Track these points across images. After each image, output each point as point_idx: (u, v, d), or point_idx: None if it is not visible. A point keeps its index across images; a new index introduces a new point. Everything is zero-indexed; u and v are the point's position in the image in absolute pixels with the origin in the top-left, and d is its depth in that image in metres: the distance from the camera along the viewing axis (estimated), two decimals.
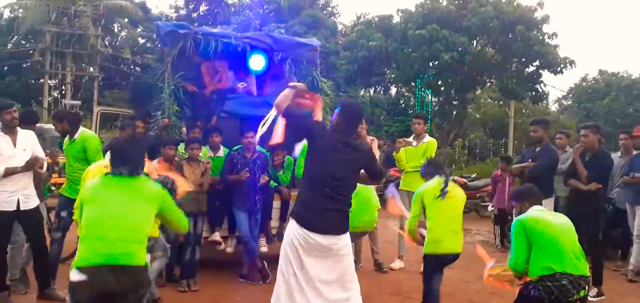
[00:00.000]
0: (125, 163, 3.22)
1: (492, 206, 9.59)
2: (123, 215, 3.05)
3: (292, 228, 3.65)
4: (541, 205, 4.04)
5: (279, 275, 3.68)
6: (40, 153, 5.09)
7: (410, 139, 7.04)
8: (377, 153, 7.19)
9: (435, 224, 4.49)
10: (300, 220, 3.61)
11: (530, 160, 6.41)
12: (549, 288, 3.61)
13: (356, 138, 4.16)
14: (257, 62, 7.15)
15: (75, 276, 2.94)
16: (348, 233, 3.74)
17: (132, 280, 3.00)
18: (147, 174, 3.58)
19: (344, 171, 3.67)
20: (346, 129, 3.79)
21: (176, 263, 6.13)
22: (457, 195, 4.64)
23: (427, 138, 7.08)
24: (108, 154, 4.31)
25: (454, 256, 4.58)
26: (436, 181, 4.57)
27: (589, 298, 5.86)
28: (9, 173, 4.80)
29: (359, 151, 3.78)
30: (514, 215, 4.11)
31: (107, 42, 28.60)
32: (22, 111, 5.61)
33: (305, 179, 3.80)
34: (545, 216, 3.88)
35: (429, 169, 4.78)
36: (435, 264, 4.56)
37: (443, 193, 4.47)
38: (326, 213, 3.59)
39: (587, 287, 3.75)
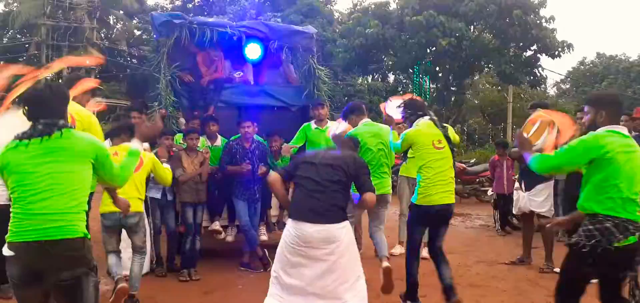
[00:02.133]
0: (44, 114, 2.72)
1: (492, 191, 9.60)
2: (51, 183, 2.62)
3: (287, 228, 3.78)
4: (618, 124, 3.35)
5: (273, 273, 3.81)
6: None
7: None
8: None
9: (426, 173, 4.35)
10: (293, 214, 3.75)
11: None
12: (590, 232, 3.10)
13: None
14: (253, 51, 7.11)
15: (5, 251, 2.67)
16: (344, 226, 3.72)
17: (65, 255, 2.63)
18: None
19: (329, 175, 3.77)
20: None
21: (177, 253, 6.15)
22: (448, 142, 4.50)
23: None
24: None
25: (445, 208, 4.41)
26: (428, 124, 4.45)
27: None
28: None
29: (346, 158, 3.93)
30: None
31: (102, 35, 28.45)
32: None
33: (297, 181, 3.89)
34: (624, 146, 3.18)
35: (410, 112, 4.60)
36: (421, 216, 4.45)
37: (449, 143, 4.41)
38: (317, 206, 3.66)
39: (637, 234, 3.12)
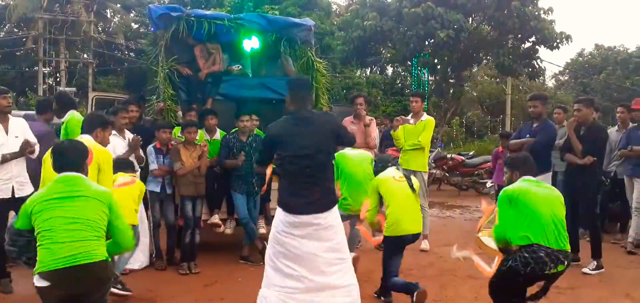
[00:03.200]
0: (69, 165, 3.20)
1: (492, 183, 9.60)
2: (77, 214, 3.02)
3: (279, 214, 3.81)
4: (534, 176, 4.02)
5: (267, 258, 3.86)
6: (32, 139, 5.08)
7: (408, 117, 7.01)
8: (375, 132, 7.16)
9: (393, 208, 4.65)
10: (284, 207, 3.77)
11: (528, 136, 6.40)
12: (526, 259, 3.61)
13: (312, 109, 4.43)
14: (251, 43, 7.09)
15: (38, 282, 2.96)
16: (334, 209, 3.82)
17: (94, 278, 3.00)
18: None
19: (311, 148, 3.73)
20: (299, 102, 3.89)
21: (176, 246, 6.15)
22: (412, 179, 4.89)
23: (425, 117, 7.05)
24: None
25: (413, 237, 4.74)
26: (389, 171, 4.84)
27: (588, 271, 5.92)
28: (5, 159, 4.82)
29: (322, 119, 3.99)
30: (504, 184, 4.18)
31: (100, 28, 28.34)
32: (37, 101, 5.89)
33: (281, 169, 3.89)
34: (530, 187, 3.87)
35: (379, 166, 5.03)
36: (395, 245, 4.71)
37: (408, 180, 4.78)
38: (306, 194, 3.70)
39: (566, 262, 3.74)
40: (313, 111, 3.94)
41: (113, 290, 4.80)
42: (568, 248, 3.80)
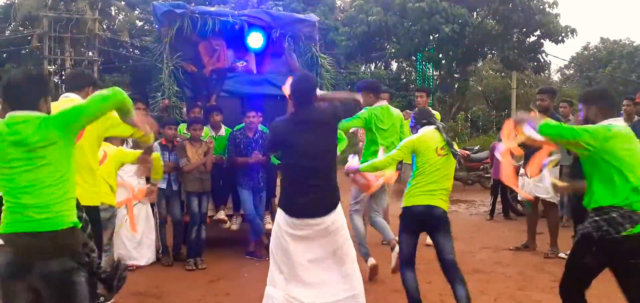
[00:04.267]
0: (20, 98, 2.60)
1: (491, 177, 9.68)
2: (34, 175, 2.53)
3: (280, 216, 3.69)
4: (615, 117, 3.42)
5: (271, 257, 3.76)
6: None
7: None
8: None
9: (419, 174, 4.08)
10: (286, 209, 3.65)
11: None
12: (597, 222, 3.13)
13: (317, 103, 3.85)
14: (255, 40, 7.09)
15: None
16: (337, 211, 3.66)
17: (51, 245, 2.54)
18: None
19: (315, 150, 3.59)
20: (303, 101, 3.65)
21: (183, 242, 6.18)
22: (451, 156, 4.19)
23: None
24: None
25: (425, 209, 4.04)
26: (433, 132, 4.17)
27: (566, 256, 5.91)
28: None
29: (322, 116, 3.69)
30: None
31: (104, 26, 28.40)
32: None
33: (283, 171, 3.82)
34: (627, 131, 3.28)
35: (421, 118, 4.34)
36: (407, 220, 4.14)
37: (451, 149, 4.08)
38: (308, 198, 3.57)
39: None
40: (313, 108, 3.69)
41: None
42: None
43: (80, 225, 2.71)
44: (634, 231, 3.07)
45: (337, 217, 3.68)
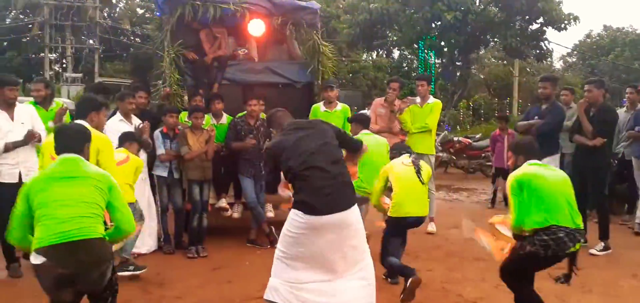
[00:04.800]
0: (69, 147, 3.21)
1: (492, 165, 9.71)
2: (74, 193, 3.02)
3: (294, 214, 3.48)
4: (539, 159, 3.97)
5: (278, 251, 3.63)
6: (39, 126, 5.12)
7: (415, 98, 7.00)
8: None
9: (398, 191, 4.70)
10: (305, 208, 3.44)
11: (536, 117, 6.37)
12: (546, 242, 3.56)
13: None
14: (257, 27, 7.06)
15: (34, 259, 2.95)
16: (354, 208, 3.56)
17: (90, 255, 2.97)
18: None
19: (317, 144, 3.56)
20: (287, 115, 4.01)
21: (184, 230, 6.19)
22: (422, 167, 4.87)
23: (432, 99, 7.03)
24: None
25: (416, 220, 4.79)
26: (400, 157, 4.90)
27: (596, 252, 5.92)
28: (8, 148, 4.89)
29: (316, 121, 4.00)
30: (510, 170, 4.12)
31: (105, 14, 28.34)
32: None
33: (293, 179, 3.60)
34: (539, 170, 3.83)
35: (394, 152, 5.09)
36: (396, 226, 4.77)
37: (416, 166, 4.78)
38: (324, 193, 3.44)
39: (582, 240, 3.76)
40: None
41: (125, 273, 4.86)
42: (582, 225, 3.80)
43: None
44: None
45: (354, 215, 3.57)
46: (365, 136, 5.56)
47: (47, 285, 2.96)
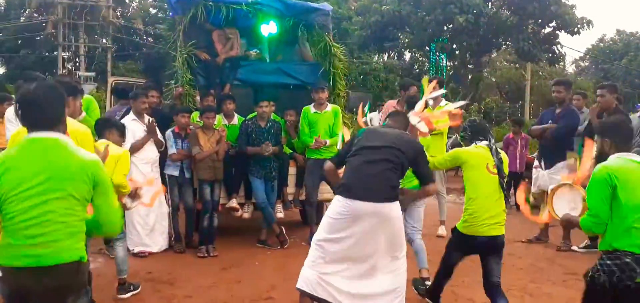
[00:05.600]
0: (41, 120, 2.37)
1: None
2: (45, 204, 2.30)
3: (335, 203, 3.59)
4: (629, 151, 3.04)
5: (314, 240, 3.65)
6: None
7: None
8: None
9: (475, 199, 3.95)
10: (343, 192, 3.54)
11: (550, 122, 6.33)
12: (610, 267, 2.82)
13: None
14: (269, 28, 7.08)
15: None
16: (395, 204, 3.56)
17: (57, 281, 2.34)
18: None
19: (383, 142, 3.65)
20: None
21: (195, 230, 6.22)
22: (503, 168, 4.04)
23: (443, 102, 6.99)
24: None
25: (489, 240, 4.01)
26: (483, 148, 4.01)
27: (578, 249, 5.91)
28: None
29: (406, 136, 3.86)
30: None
31: (118, 13, 28.53)
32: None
33: (349, 158, 3.70)
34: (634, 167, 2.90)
35: (472, 132, 4.13)
36: (463, 244, 4.10)
37: (499, 170, 3.97)
38: (369, 181, 3.51)
39: None
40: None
41: (125, 295, 4.57)
42: None
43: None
44: None
45: (395, 211, 3.58)
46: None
47: (1, 293, 2.44)
